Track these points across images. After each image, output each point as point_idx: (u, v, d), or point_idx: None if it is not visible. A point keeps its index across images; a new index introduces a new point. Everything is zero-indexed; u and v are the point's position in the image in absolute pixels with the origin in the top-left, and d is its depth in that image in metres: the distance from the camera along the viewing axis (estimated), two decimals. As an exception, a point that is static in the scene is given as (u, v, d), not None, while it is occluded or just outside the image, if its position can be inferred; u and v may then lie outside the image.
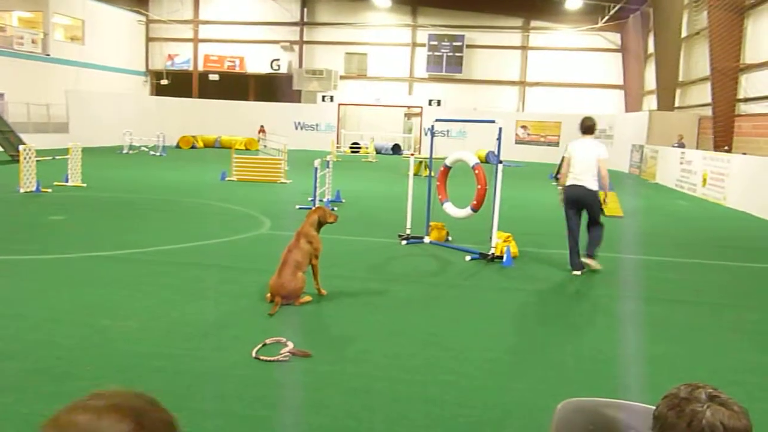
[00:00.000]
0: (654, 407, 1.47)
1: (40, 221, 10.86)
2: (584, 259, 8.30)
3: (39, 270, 7.52)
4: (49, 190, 14.23)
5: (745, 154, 18.89)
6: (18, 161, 14.26)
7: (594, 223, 8.36)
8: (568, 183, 8.34)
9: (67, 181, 15.41)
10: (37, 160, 14.41)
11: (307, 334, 5.56)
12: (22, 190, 13.79)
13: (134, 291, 6.69)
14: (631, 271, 8.98)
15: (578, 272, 8.27)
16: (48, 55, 31.91)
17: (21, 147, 14.33)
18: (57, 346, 5.05)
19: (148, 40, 41.73)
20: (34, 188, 14.00)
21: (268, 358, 4.87)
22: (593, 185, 8.17)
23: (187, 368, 4.72)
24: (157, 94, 40.65)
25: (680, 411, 1.37)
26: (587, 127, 8.44)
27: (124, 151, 28.56)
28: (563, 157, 8.70)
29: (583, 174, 8.17)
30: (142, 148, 29.15)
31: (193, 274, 7.56)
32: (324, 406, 4.19)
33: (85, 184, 15.40)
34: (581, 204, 8.28)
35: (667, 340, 5.86)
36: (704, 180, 18.86)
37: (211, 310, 6.16)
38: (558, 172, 22.26)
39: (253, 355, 4.93)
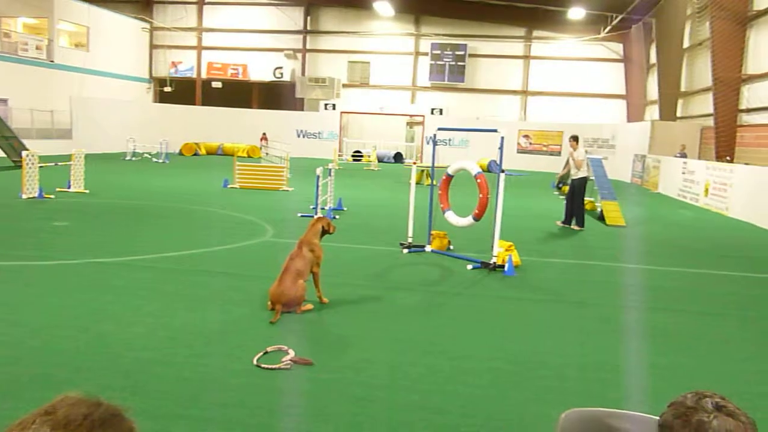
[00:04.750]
0: (658, 417, 1.46)
1: (43, 227, 10.88)
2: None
3: (42, 276, 7.53)
4: (52, 196, 14.26)
5: (747, 164, 18.89)
6: (21, 167, 14.31)
7: None
8: (584, 174, 13.10)
9: (69, 188, 15.45)
10: (40, 166, 14.46)
11: (308, 342, 5.56)
12: (24, 196, 13.83)
13: (137, 298, 6.69)
14: (634, 280, 8.98)
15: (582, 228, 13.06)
16: (52, 61, 32.00)
17: (24, 153, 14.38)
18: (59, 352, 5.05)
19: (152, 47, 41.84)
20: (36, 194, 14.04)
21: (270, 366, 4.87)
22: None
23: (190, 375, 4.72)
24: (160, 101, 40.76)
25: (686, 420, 1.36)
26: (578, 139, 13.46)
27: (128, 158, 28.62)
28: (568, 160, 13.70)
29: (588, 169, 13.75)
30: (145, 155, 29.26)
31: (195, 281, 7.57)
32: (326, 414, 4.19)
33: (87, 191, 15.43)
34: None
35: (669, 350, 5.85)
36: (706, 190, 18.85)
37: (213, 317, 6.17)
38: (560, 182, 22.39)
39: (255, 362, 4.93)
